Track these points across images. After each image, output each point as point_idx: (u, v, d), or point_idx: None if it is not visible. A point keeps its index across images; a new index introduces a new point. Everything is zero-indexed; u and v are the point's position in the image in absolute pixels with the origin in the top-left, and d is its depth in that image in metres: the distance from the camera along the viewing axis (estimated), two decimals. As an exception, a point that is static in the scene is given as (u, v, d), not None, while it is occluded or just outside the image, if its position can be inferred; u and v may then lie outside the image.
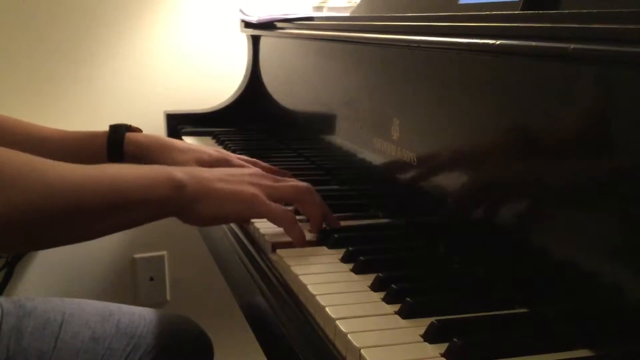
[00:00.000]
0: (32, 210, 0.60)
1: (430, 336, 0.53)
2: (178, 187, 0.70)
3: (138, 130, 0.95)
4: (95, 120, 1.60)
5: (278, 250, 0.73)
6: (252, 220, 0.83)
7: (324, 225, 0.79)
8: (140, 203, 0.69)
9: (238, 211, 0.74)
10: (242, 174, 0.77)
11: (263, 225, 0.80)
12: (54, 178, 0.63)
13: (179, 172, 0.71)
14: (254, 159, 0.94)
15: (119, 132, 0.91)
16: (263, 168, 0.87)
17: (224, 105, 1.50)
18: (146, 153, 0.90)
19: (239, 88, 1.52)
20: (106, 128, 0.95)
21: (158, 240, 1.71)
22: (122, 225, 0.70)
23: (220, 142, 1.32)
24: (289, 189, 0.77)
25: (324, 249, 0.74)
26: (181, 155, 0.89)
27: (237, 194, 0.73)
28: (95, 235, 0.68)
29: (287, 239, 0.75)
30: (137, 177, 0.69)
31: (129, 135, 0.91)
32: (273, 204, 0.74)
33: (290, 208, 0.79)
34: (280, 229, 0.77)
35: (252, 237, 0.82)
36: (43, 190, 0.61)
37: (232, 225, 0.88)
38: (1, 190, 0.59)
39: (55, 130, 0.95)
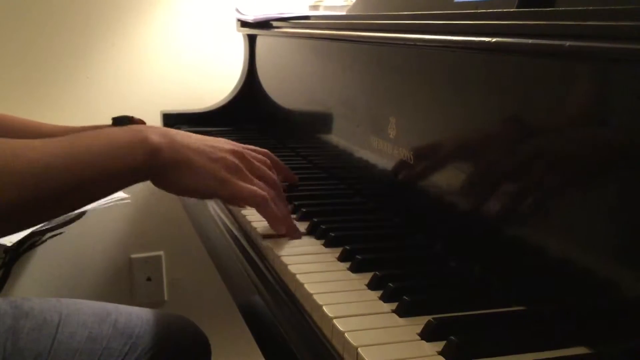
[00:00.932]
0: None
1: (427, 334, 0.53)
2: (153, 151, 0.68)
3: (141, 121, 0.95)
4: (92, 120, 1.60)
5: (275, 250, 0.73)
6: (249, 219, 0.83)
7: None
8: (112, 174, 0.67)
9: (210, 188, 0.72)
10: (223, 149, 0.74)
11: (260, 225, 0.81)
12: (17, 163, 0.61)
13: (155, 135, 0.69)
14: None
15: (121, 124, 0.91)
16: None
17: (220, 105, 1.50)
18: None
19: (235, 87, 1.52)
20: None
21: (155, 241, 1.71)
22: (98, 196, 0.68)
23: (217, 142, 1.32)
24: (265, 177, 0.76)
25: (321, 247, 0.74)
26: None
27: (211, 171, 0.71)
28: (72, 208, 0.67)
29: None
30: (109, 146, 0.67)
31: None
32: (245, 185, 0.73)
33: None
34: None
35: (249, 236, 0.82)
36: (8, 179, 0.59)
37: (230, 224, 0.88)
38: None
39: (55, 126, 0.95)
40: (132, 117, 0.93)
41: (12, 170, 0.60)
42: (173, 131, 0.73)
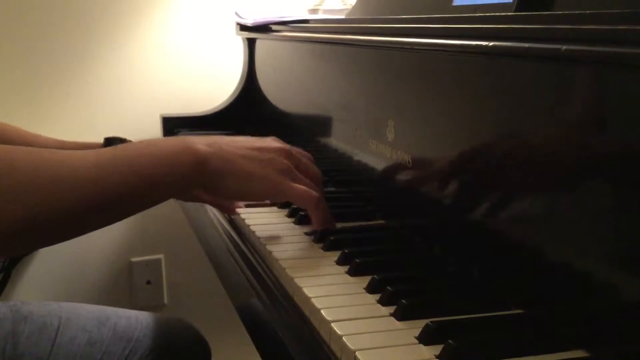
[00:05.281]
0: (47, 212, 0.59)
1: (425, 338, 0.53)
2: (200, 162, 0.68)
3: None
4: (91, 124, 1.60)
5: (273, 253, 0.73)
6: (248, 223, 0.83)
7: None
8: (162, 183, 0.67)
9: (263, 191, 0.73)
10: (271, 149, 0.74)
11: (259, 228, 0.81)
12: (66, 175, 0.61)
13: (201, 145, 0.69)
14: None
15: (113, 144, 0.92)
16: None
17: (220, 108, 1.50)
18: None
19: (235, 91, 1.52)
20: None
21: (155, 244, 1.71)
22: (147, 205, 0.69)
23: (216, 145, 1.32)
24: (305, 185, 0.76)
25: (320, 251, 0.74)
26: None
27: (263, 175, 0.71)
28: (120, 218, 0.67)
29: (281, 240, 0.76)
30: (158, 156, 0.67)
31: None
32: (299, 187, 0.73)
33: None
34: (275, 232, 0.78)
35: (248, 239, 0.82)
36: (57, 192, 0.59)
37: (228, 227, 0.88)
38: (15, 196, 0.57)
39: (53, 140, 0.96)
40: (125, 139, 0.94)
41: (60, 182, 0.60)
42: (218, 138, 0.73)
